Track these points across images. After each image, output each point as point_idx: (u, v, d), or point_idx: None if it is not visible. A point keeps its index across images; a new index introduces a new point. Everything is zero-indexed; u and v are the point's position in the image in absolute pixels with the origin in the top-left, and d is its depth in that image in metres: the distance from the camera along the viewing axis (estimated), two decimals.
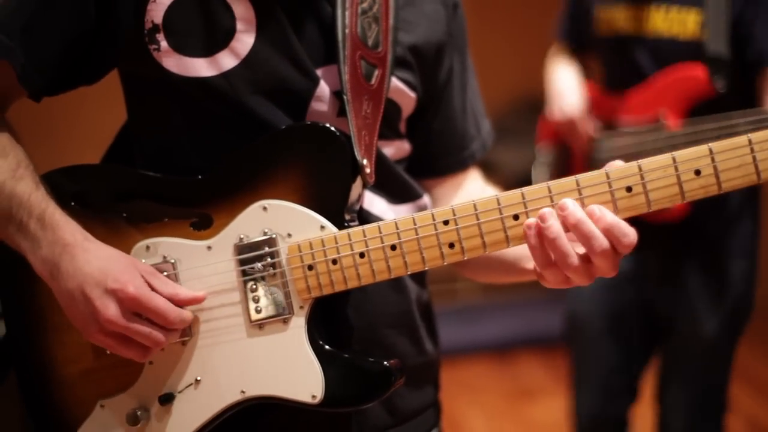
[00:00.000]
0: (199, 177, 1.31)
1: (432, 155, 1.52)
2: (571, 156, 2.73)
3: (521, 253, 1.29)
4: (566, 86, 2.72)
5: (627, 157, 2.54)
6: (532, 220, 1.17)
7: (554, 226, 1.15)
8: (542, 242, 1.16)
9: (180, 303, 1.26)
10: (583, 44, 2.77)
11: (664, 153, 2.54)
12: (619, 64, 2.59)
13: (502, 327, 4.91)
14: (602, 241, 1.14)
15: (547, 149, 2.85)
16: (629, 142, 2.50)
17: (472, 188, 1.55)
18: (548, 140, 2.84)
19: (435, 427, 1.50)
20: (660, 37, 2.45)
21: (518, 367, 4.63)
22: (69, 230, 1.26)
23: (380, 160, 1.36)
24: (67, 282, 1.23)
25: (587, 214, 1.15)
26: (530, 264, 1.26)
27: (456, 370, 4.45)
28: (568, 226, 1.15)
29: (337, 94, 1.32)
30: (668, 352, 2.66)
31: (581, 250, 1.17)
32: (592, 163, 2.29)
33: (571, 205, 1.15)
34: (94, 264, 1.23)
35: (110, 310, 1.21)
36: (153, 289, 1.24)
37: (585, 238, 1.15)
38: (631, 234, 1.15)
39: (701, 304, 2.53)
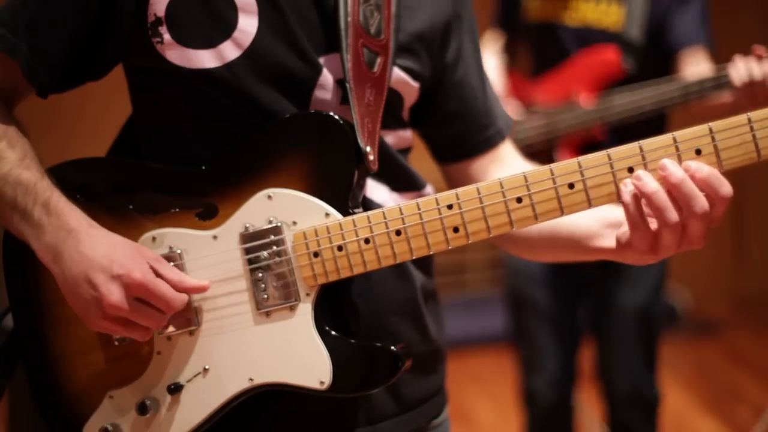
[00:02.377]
0: (204, 167, 1.31)
1: (457, 137, 1.50)
2: None
3: (594, 230, 1.30)
4: None
5: (542, 136, 2.65)
6: (627, 181, 1.16)
7: (651, 183, 1.14)
8: (638, 201, 1.16)
9: (185, 291, 1.27)
10: (514, 32, 2.93)
11: (576, 130, 2.63)
12: (547, 50, 2.78)
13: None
14: (703, 202, 1.13)
15: None
16: (543, 122, 2.69)
17: (514, 165, 1.51)
18: None
19: (441, 414, 1.50)
20: (589, 26, 2.68)
21: None
22: (74, 216, 1.26)
23: (383, 148, 1.36)
24: (72, 267, 1.24)
25: (683, 170, 1.14)
26: (606, 242, 1.27)
27: (465, 360, 4.45)
28: (669, 187, 1.14)
29: (340, 82, 1.33)
30: (606, 327, 2.82)
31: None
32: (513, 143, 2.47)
33: (671, 165, 1.14)
34: (99, 250, 1.23)
35: (115, 295, 1.22)
36: (159, 275, 1.25)
37: (686, 198, 1.14)
38: (726, 184, 1.14)
39: (631, 276, 2.73)
